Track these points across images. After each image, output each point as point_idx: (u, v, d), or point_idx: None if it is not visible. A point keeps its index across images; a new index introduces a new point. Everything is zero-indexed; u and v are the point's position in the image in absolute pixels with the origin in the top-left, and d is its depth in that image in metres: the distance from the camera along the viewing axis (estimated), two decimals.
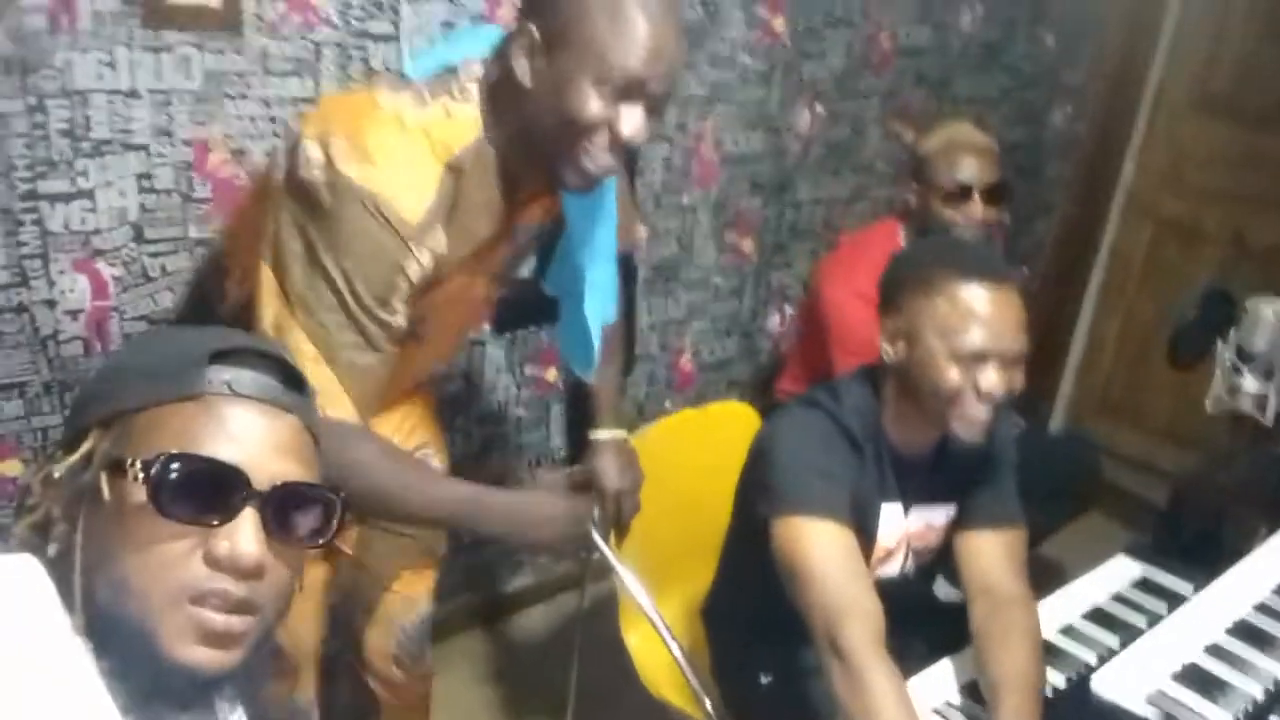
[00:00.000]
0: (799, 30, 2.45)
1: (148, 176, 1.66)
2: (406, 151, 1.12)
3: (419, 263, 1.13)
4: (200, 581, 0.72)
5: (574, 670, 1.96)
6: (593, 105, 1.11)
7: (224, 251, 1.39)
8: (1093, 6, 3.11)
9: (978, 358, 1.29)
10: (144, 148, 1.64)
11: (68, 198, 1.60)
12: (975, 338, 1.28)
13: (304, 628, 1.53)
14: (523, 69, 1.14)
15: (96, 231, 1.64)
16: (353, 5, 1.77)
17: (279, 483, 0.75)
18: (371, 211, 1.08)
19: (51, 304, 1.63)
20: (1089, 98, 3.27)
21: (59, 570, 0.73)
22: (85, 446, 0.75)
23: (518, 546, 1.32)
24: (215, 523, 0.72)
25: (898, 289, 1.38)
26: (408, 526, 1.54)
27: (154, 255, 1.71)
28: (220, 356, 0.76)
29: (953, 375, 1.29)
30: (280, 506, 0.75)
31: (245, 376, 0.76)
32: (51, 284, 1.62)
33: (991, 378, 1.29)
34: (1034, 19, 3.01)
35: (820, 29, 2.50)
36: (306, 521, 0.78)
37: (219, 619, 0.72)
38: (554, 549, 1.29)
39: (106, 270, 1.67)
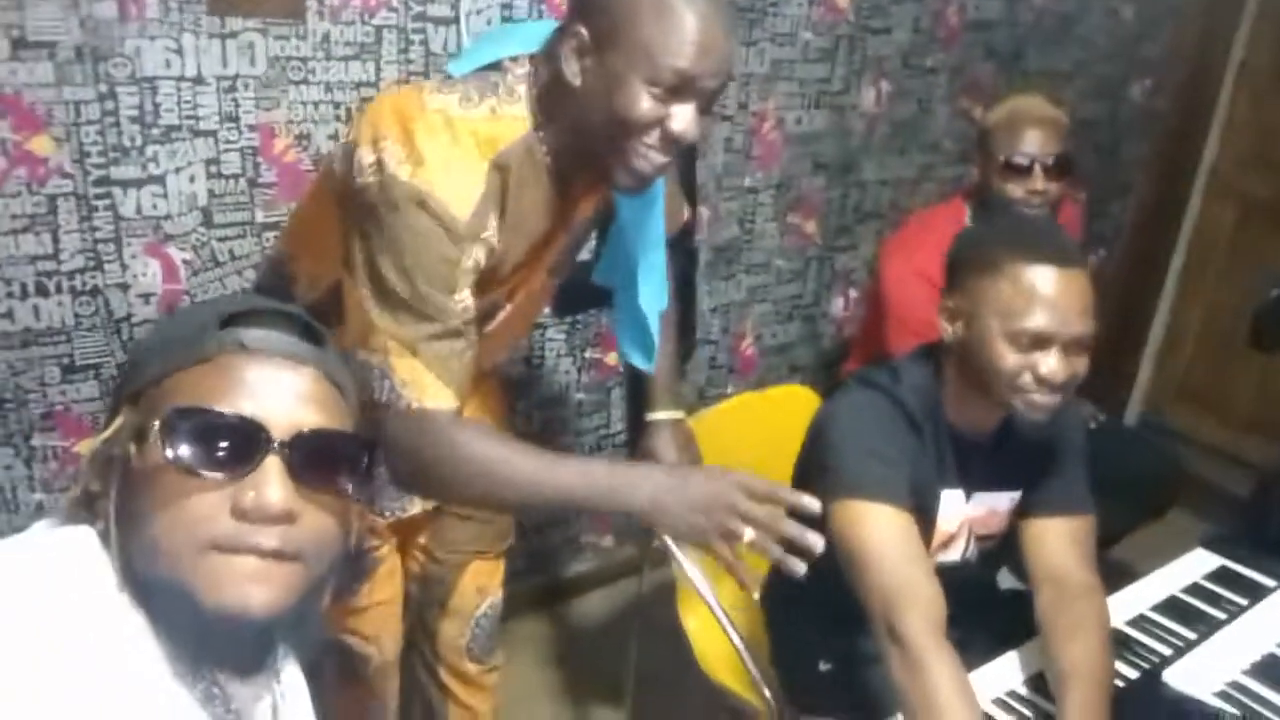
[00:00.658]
0: (863, 5, 2.40)
1: (215, 162, 1.70)
2: (454, 150, 1.12)
3: (473, 256, 1.14)
4: (229, 535, 0.72)
5: (633, 655, 1.96)
6: (644, 104, 1.10)
7: (288, 257, 1.41)
8: None
9: (1038, 341, 1.24)
10: (211, 133, 1.68)
11: (139, 183, 1.64)
12: (1036, 320, 1.24)
13: (387, 635, 1.55)
14: (572, 69, 1.13)
15: (167, 216, 1.68)
16: None
17: (302, 430, 0.75)
18: (423, 210, 1.10)
19: (125, 287, 1.68)
20: (1169, 72, 3.15)
21: (106, 543, 0.75)
22: (116, 422, 0.77)
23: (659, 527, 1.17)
24: (238, 474, 0.73)
25: (961, 267, 1.35)
26: (515, 511, 1.51)
27: (222, 240, 1.75)
28: (234, 319, 0.77)
29: (1010, 358, 1.26)
30: (306, 453, 0.75)
31: (258, 333, 0.77)
32: (125, 268, 1.67)
33: (1051, 363, 1.24)
34: None
35: (885, 3, 2.44)
36: (337, 467, 0.78)
37: (252, 560, 0.73)
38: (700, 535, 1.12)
39: (177, 255, 1.71)
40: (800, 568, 1.07)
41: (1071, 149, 1.99)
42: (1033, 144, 1.95)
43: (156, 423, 0.73)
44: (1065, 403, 1.30)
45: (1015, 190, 1.95)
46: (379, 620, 1.53)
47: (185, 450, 0.72)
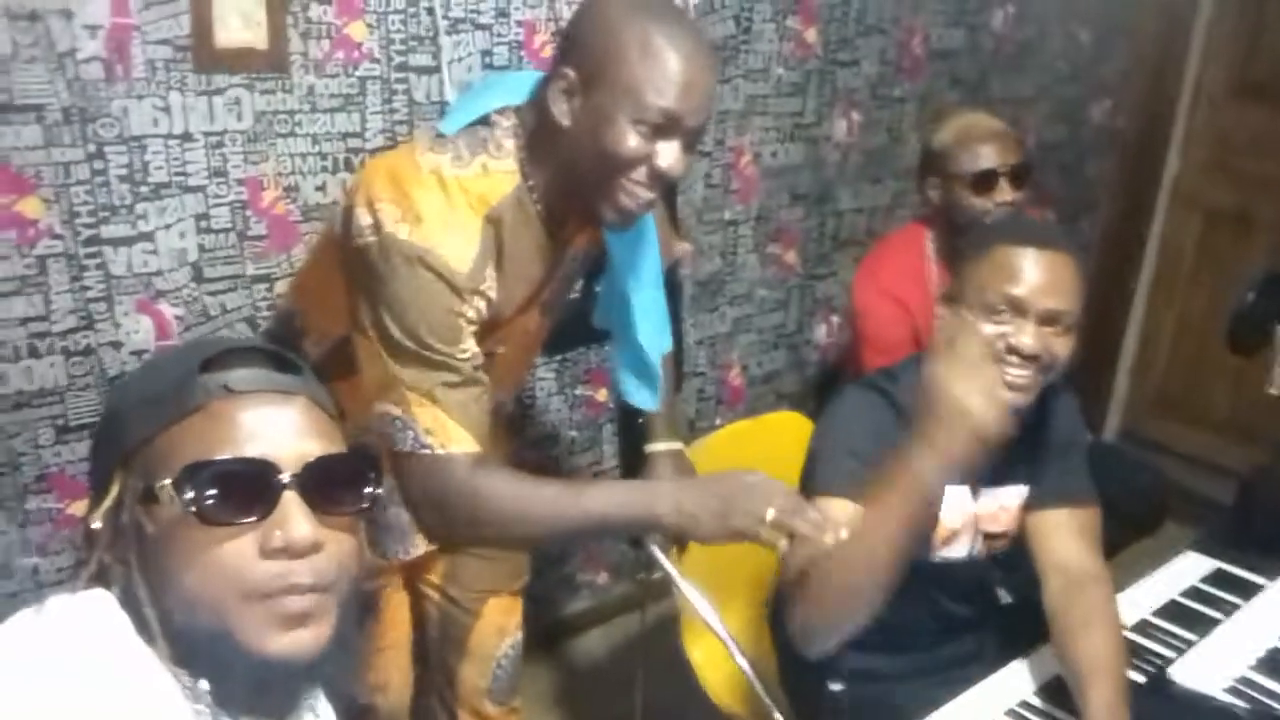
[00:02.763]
0: (831, 39, 2.46)
1: (205, 217, 1.71)
2: (449, 207, 1.16)
3: (474, 308, 1.18)
4: (266, 578, 0.73)
5: (639, 691, 1.95)
6: (630, 142, 1.14)
7: (298, 312, 1.43)
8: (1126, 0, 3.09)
9: (1013, 310, 1.28)
10: (200, 189, 1.69)
11: (129, 241, 1.65)
12: (1008, 288, 1.28)
13: (395, 681, 1.54)
14: (561, 110, 1.17)
15: (158, 273, 1.69)
16: (394, 40, 1.82)
17: (309, 460, 0.76)
18: (424, 266, 1.13)
19: (118, 345, 1.68)
20: (1127, 90, 3.24)
21: (130, 610, 0.74)
22: (114, 490, 0.76)
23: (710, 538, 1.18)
24: (260, 517, 0.74)
25: (959, 262, 1.40)
26: (547, 543, 1.51)
27: (214, 294, 1.76)
28: (209, 364, 0.77)
29: (986, 328, 1.29)
30: (318, 482, 0.76)
31: (239, 374, 0.77)
32: (117, 326, 1.67)
33: (1023, 335, 1.28)
34: (1067, 16, 2.99)
35: (852, 37, 2.50)
36: (347, 490, 0.79)
37: (294, 601, 0.74)
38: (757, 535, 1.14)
39: (169, 310, 1.72)
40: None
41: (1028, 158, 2.02)
42: (992, 156, 1.97)
43: (167, 482, 0.73)
44: (1040, 384, 1.32)
45: (984, 204, 1.97)
46: (387, 665, 1.52)
47: (204, 503, 0.72)
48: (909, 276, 2.05)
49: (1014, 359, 1.29)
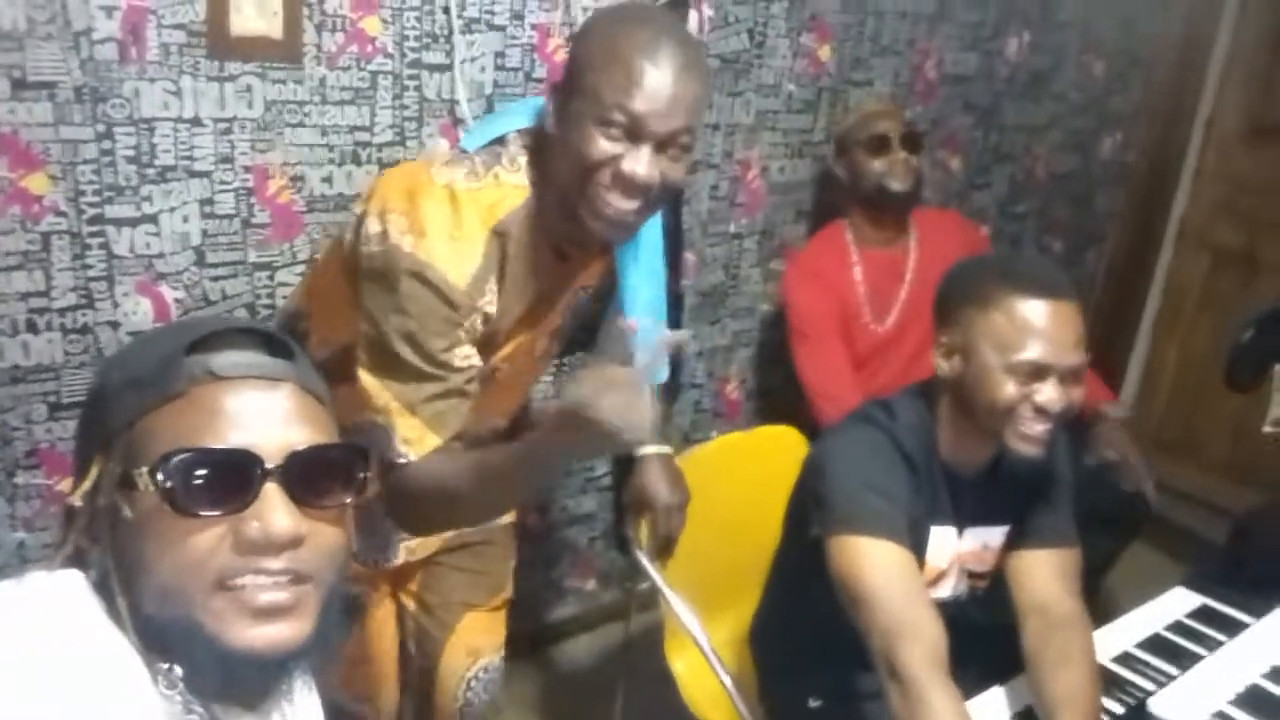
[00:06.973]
0: (844, 58, 2.47)
1: (209, 202, 1.72)
2: (455, 221, 1.17)
3: (469, 321, 1.19)
4: (235, 568, 0.71)
5: (620, 700, 1.95)
6: (596, 144, 1.14)
7: (304, 314, 1.44)
8: (1142, 35, 3.09)
9: (1035, 372, 1.27)
10: (206, 174, 1.70)
11: (133, 222, 1.65)
12: (1032, 352, 1.26)
13: (382, 694, 1.53)
14: (550, 119, 1.20)
15: (160, 255, 1.69)
16: (408, 37, 1.83)
17: (293, 450, 0.73)
18: (422, 279, 1.14)
19: (116, 325, 1.68)
20: (1139, 125, 3.24)
21: (104, 594, 0.73)
22: (94, 472, 0.75)
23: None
24: (238, 509, 0.71)
25: (954, 303, 1.37)
26: (500, 510, 1.49)
27: (214, 279, 1.76)
28: (196, 346, 0.74)
29: (1009, 389, 1.28)
30: (301, 474, 0.73)
31: (225, 358, 0.74)
32: (116, 305, 1.68)
33: (1049, 393, 1.27)
34: (1082, 48, 3.00)
35: (866, 57, 2.51)
36: (333, 480, 0.76)
37: (262, 596, 0.71)
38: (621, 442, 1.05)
39: (169, 293, 1.72)
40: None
41: (917, 129, 2.26)
42: (884, 125, 2.22)
43: (144, 469, 0.71)
44: (1055, 434, 1.33)
45: (879, 165, 2.18)
46: (374, 678, 1.51)
47: (180, 493, 0.70)
48: (831, 257, 2.25)
49: (1040, 417, 1.28)
